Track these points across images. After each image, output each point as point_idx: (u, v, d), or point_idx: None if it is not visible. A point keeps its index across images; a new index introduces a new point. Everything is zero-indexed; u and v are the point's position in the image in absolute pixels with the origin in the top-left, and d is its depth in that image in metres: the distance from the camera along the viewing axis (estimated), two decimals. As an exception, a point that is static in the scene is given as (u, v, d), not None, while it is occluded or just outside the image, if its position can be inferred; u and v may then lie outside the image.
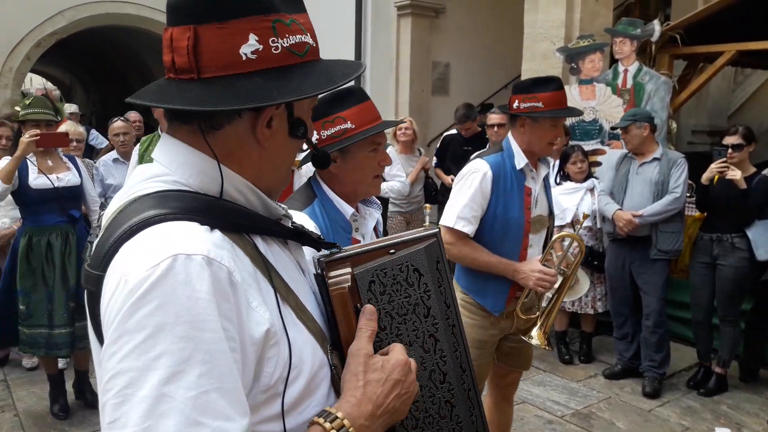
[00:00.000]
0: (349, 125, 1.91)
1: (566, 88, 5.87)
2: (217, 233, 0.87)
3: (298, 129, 0.99)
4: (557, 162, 5.38)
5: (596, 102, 5.78)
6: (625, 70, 5.61)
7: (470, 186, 2.70)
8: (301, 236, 1.07)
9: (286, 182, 1.07)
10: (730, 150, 4.36)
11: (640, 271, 4.64)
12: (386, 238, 1.16)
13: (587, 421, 4.17)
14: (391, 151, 5.31)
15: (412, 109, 8.44)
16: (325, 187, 1.98)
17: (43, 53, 10.13)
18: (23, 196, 4.08)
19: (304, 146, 1.10)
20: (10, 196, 4.16)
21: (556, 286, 2.83)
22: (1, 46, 9.39)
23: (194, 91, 0.90)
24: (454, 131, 6.53)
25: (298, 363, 0.91)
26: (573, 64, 5.93)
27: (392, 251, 1.10)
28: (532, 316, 2.87)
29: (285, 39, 0.92)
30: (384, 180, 5.21)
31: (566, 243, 3.23)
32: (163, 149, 0.97)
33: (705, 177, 4.46)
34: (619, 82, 5.65)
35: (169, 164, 0.94)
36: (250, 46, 0.90)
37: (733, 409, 4.37)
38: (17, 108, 7.96)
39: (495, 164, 2.72)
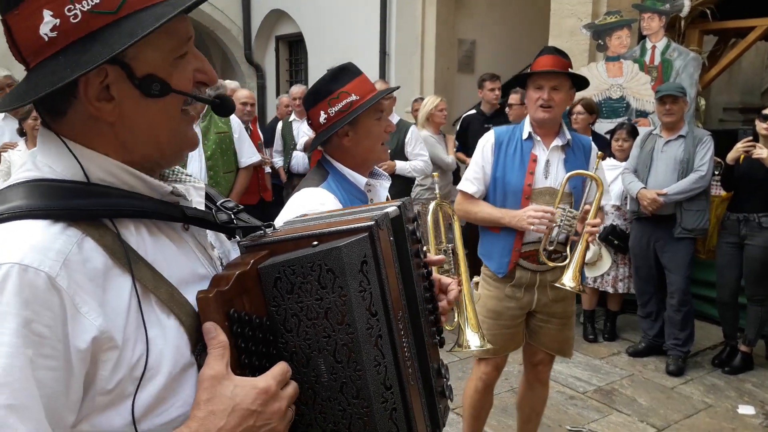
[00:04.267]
0: (354, 97, 2.00)
1: (593, 65, 5.88)
2: (58, 229, 0.81)
3: (151, 87, 0.88)
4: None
5: (623, 79, 5.72)
6: (653, 47, 5.54)
7: (476, 152, 3.00)
8: (200, 221, 1.00)
9: (182, 148, 0.98)
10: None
11: (664, 250, 4.63)
12: (324, 223, 1.05)
13: (609, 398, 4.21)
14: (413, 130, 5.34)
15: (438, 87, 8.42)
16: (335, 163, 2.07)
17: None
18: None
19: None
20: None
21: (576, 226, 2.81)
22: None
23: (22, 85, 0.88)
24: (473, 111, 6.47)
25: (154, 363, 0.84)
26: (600, 41, 5.87)
27: (315, 243, 0.97)
28: (560, 264, 2.90)
29: (84, 2, 0.82)
30: (407, 158, 5.27)
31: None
32: (39, 139, 0.94)
33: (730, 157, 4.41)
34: (647, 58, 5.58)
35: (39, 154, 0.91)
36: (47, 24, 0.82)
37: (757, 387, 4.37)
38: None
39: (501, 132, 2.98)
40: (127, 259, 0.84)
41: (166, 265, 0.91)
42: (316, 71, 9.01)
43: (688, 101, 4.57)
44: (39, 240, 0.79)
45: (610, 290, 5.10)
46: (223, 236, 1.12)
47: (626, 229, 4.99)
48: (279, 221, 1.80)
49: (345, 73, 2.03)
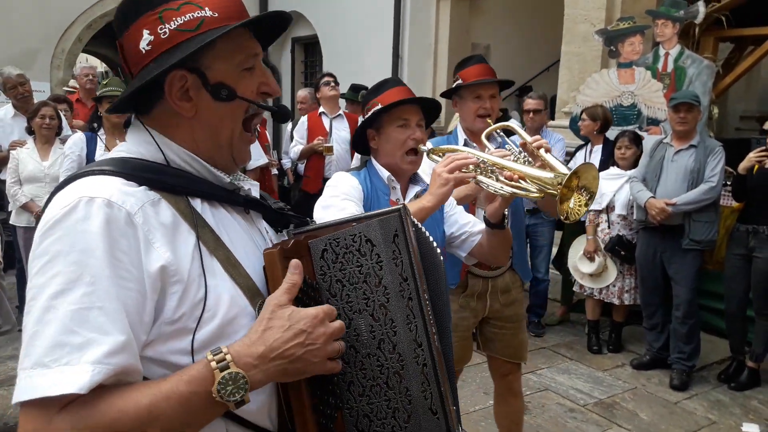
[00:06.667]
0: (379, 106, 2.25)
1: (604, 71, 5.80)
2: (138, 187, 1.03)
3: (220, 92, 1.09)
4: (599, 147, 5.27)
5: (635, 86, 5.63)
6: (666, 54, 5.44)
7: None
8: (257, 205, 1.22)
9: (235, 156, 1.17)
10: (771, 135, 4.19)
11: (671, 261, 4.53)
12: (359, 213, 1.21)
13: (610, 411, 4.13)
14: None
15: (451, 91, 8.36)
16: (372, 159, 2.36)
17: (95, 34, 10.43)
18: None
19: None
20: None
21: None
22: (53, 29, 9.70)
23: (126, 89, 1.12)
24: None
25: (212, 306, 1.02)
26: (612, 47, 5.78)
27: (354, 224, 1.15)
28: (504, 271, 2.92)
29: (172, 22, 1.06)
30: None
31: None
32: (130, 129, 1.17)
33: (742, 166, 4.31)
34: (660, 65, 5.48)
35: (127, 141, 1.15)
36: (145, 41, 1.07)
37: (764, 404, 4.25)
38: (65, 89, 8.23)
39: (436, 143, 2.88)
40: (194, 221, 1.05)
41: (226, 237, 1.10)
42: (329, 73, 9.01)
43: (701, 110, 4.47)
44: (124, 189, 1.01)
45: (616, 301, 5.01)
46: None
47: (632, 239, 4.90)
48: (323, 195, 2.22)
49: (384, 85, 2.31)
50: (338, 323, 1.07)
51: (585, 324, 5.39)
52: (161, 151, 1.09)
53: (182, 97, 1.08)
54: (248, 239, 1.16)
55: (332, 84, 6.07)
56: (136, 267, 0.95)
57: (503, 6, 8.75)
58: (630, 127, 5.58)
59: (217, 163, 1.15)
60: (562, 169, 2.04)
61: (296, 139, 6.11)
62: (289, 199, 6.51)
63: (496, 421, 3.30)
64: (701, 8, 5.29)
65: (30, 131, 4.95)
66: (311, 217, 2.07)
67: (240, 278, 1.07)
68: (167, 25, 1.06)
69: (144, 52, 1.07)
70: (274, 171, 5.96)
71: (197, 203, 1.09)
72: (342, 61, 8.98)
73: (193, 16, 1.06)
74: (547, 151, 2.23)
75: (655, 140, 4.81)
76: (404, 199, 2.29)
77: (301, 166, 6.30)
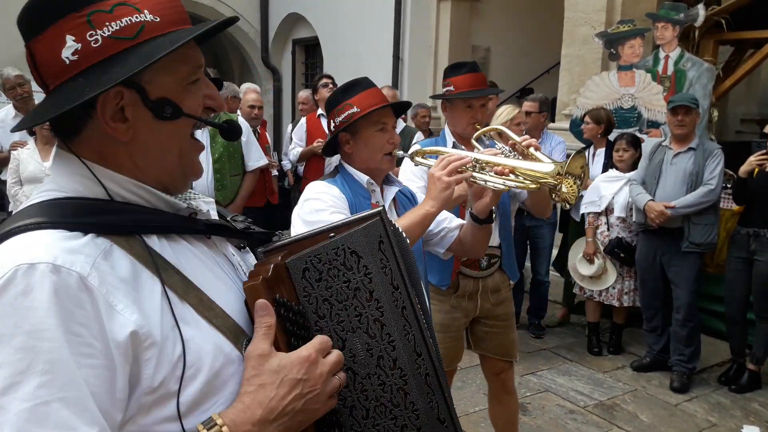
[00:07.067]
0: (355, 109, 2.15)
1: (605, 74, 5.80)
2: (84, 238, 0.85)
3: (163, 110, 0.92)
4: (602, 150, 5.27)
5: (635, 89, 5.63)
6: (666, 57, 5.45)
7: (405, 170, 2.93)
8: (220, 229, 1.06)
9: (187, 174, 1.02)
10: (772, 138, 4.20)
11: (671, 264, 4.54)
12: (333, 222, 1.11)
13: (610, 413, 4.13)
14: (419, 137, 5.32)
15: (451, 93, 8.37)
16: (345, 164, 2.28)
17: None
18: None
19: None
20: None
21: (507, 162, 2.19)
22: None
23: (42, 105, 0.92)
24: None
25: (194, 361, 0.87)
26: (612, 50, 5.79)
27: (332, 235, 1.05)
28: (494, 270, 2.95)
29: (105, 28, 0.87)
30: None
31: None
32: (53, 161, 0.97)
33: (743, 170, 4.32)
34: (660, 68, 5.49)
35: (55, 174, 0.95)
36: (69, 49, 0.87)
37: (764, 407, 4.25)
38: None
39: (425, 144, 2.98)
40: (155, 265, 0.88)
41: (191, 273, 0.94)
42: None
43: (700, 113, 4.47)
44: (69, 245, 0.82)
45: (616, 303, 5.01)
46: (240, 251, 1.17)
47: (632, 242, 4.90)
48: (298, 207, 2.14)
49: (355, 86, 2.20)
50: (335, 355, 0.97)
51: (585, 326, 5.39)
52: (101, 184, 0.91)
53: (116, 118, 0.90)
54: (217, 270, 1.01)
55: (330, 86, 6.07)
56: (98, 339, 0.79)
57: (503, 8, 8.75)
58: (630, 130, 5.59)
59: (168, 186, 0.99)
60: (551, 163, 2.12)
61: (295, 141, 6.12)
62: (289, 200, 6.52)
63: (492, 420, 3.31)
64: (701, 11, 5.29)
65: (31, 132, 4.95)
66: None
67: (218, 320, 0.93)
68: (99, 32, 0.87)
69: (67, 62, 0.87)
70: (275, 172, 5.96)
71: (153, 240, 0.92)
72: (342, 62, 8.99)
73: (130, 20, 0.88)
74: (537, 149, 2.28)
75: (654, 143, 4.82)
76: (383, 201, 2.27)
77: (301, 168, 6.30)
